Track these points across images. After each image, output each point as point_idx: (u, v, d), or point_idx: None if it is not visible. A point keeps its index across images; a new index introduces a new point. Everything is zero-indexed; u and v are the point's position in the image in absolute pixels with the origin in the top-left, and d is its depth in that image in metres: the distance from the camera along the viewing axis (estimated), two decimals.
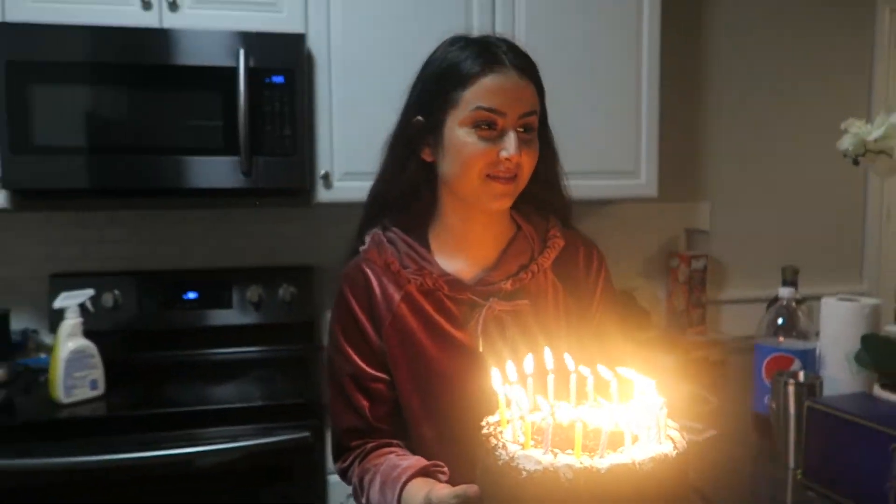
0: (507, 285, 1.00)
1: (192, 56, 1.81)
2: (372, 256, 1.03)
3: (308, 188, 1.97)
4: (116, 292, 2.07)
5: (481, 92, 0.93)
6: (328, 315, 2.16)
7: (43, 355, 2.04)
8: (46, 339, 2.09)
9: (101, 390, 1.73)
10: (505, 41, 0.98)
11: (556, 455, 0.70)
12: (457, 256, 1.03)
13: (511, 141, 0.93)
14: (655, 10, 2.13)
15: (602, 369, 0.79)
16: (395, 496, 0.89)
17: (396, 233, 1.03)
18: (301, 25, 1.91)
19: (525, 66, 0.97)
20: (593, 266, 1.08)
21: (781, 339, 1.39)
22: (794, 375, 1.26)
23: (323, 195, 1.98)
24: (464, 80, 0.94)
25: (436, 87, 0.97)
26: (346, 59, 1.95)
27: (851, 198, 2.65)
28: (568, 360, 0.82)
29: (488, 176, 0.95)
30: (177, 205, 2.20)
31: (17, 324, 2.05)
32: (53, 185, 1.79)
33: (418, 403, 1.00)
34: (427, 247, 1.03)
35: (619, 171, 2.16)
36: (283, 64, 1.85)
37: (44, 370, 1.92)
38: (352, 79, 1.96)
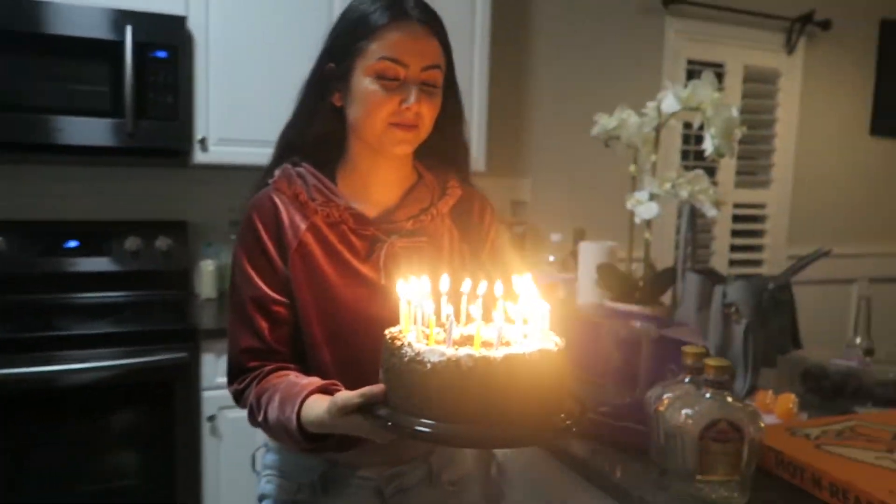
0: (408, 225, 1.07)
1: (81, 28, 2.05)
2: (281, 187, 1.06)
3: (186, 150, 2.26)
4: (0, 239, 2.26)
5: (386, 43, 0.99)
6: (201, 265, 2.49)
7: None
8: None
9: None
10: None
11: (457, 348, 0.78)
12: (361, 196, 1.08)
13: (411, 92, 0.99)
14: (486, 20, 2.60)
15: (496, 285, 0.87)
16: (295, 411, 0.92)
17: (306, 168, 1.08)
18: (182, 8, 2.20)
19: (430, 22, 1.02)
20: (486, 218, 1.16)
21: (556, 272, 1.90)
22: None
23: (199, 157, 2.29)
24: (371, 31, 0.99)
25: (346, 37, 1.03)
26: (222, 40, 2.26)
27: None
28: (466, 284, 0.88)
29: (391, 124, 1.00)
30: (63, 161, 2.40)
31: None
32: None
33: (319, 328, 1.03)
34: (334, 184, 1.08)
35: None
36: (166, 40, 2.14)
37: None
38: (227, 57, 2.27)
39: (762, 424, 0.99)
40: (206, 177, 2.54)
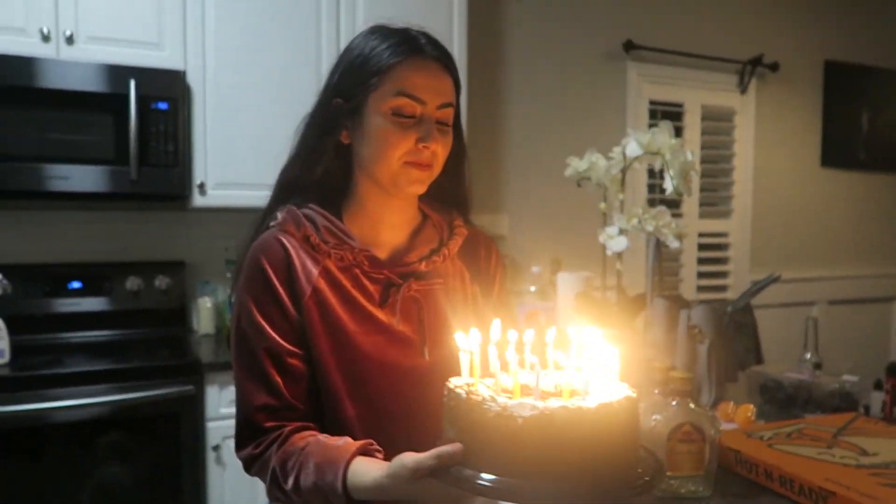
0: (421, 266, 1.02)
1: (88, 83, 2.20)
2: (289, 228, 1.00)
3: (186, 195, 2.40)
4: (4, 282, 2.36)
5: (403, 79, 0.95)
6: (199, 303, 2.61)
7: None
8: None
9: (6, 358, 2.06)
10: (425, 34, 1.00)
11: (545, 400, 0.74)
12: (370, 238, 1.03)
13: (430, 130, 0.95)
14: (462, 66, 2.81)
15: (549, 332, 0.85)
16: (340, 477, 0.85)
17: (314, 208, 1.02)
18: (181, 63, 2.36)
19: (445, 60, 0.99)
20: (493, 257, 1.13)
21: (537, 301, 2.07)
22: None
23: (198, 201, 2.43)
24: (386, 67, 0.95)
25: (356, 72, 0.98)
26: (218, 92, 2.42)
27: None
28: (512, 332, 0.85)
29: (406, 162, 0.96)
30: (68, 207, 2.52)
31: None
32: None
33: (340, 380, 0.96)
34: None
35: None
36: (167, 93, 2.29)
37: None
38: (223, 107, 2.43)
39: (720, 427, 1.16)
40: (203, 218, 2.68)
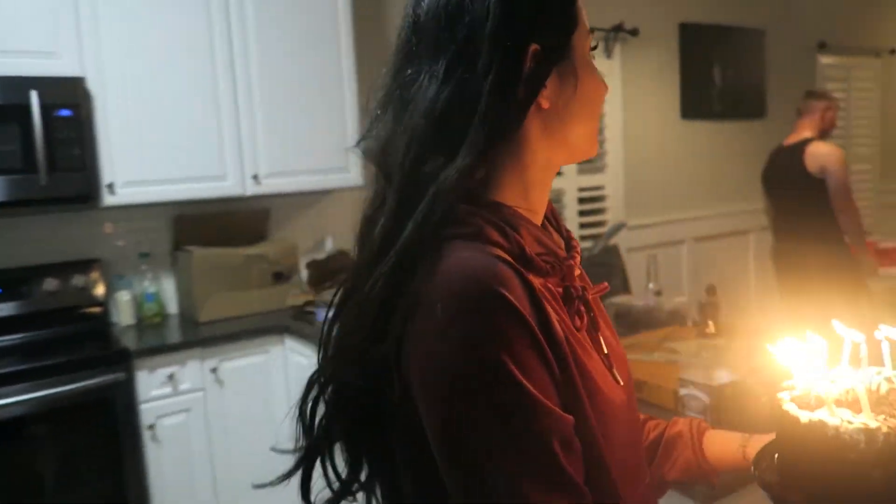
0: (579, 266, 0.75)
1: None
2: (496, 239, 0.66)
3: (95, 196, 2.54)
4: None
5: (584, 9, 0.71)
6: (116, 296, 2.76)
7: None
8: None
9: None
10: None
11: None
12: None
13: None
14: (350, 40, 3.03)
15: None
16: None
17: (503, 206, 0.69)
18: (79, 70, 2.47)
19: None
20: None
21: None
22: None
23: (108, 200, 2.57)
24: None
25: (554, 4, 0.68)
26: (119, 95, 2.55)
27: None
28: (839, 326, 0.72)
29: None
30: None
31: None
32: None
33: (605, 446, 0.67)
34: None
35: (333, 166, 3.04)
36: (68, 100, 2.41)
37: None
38: (125, 109, 2.56)
39: None
40: (115, 216, 2.81)
